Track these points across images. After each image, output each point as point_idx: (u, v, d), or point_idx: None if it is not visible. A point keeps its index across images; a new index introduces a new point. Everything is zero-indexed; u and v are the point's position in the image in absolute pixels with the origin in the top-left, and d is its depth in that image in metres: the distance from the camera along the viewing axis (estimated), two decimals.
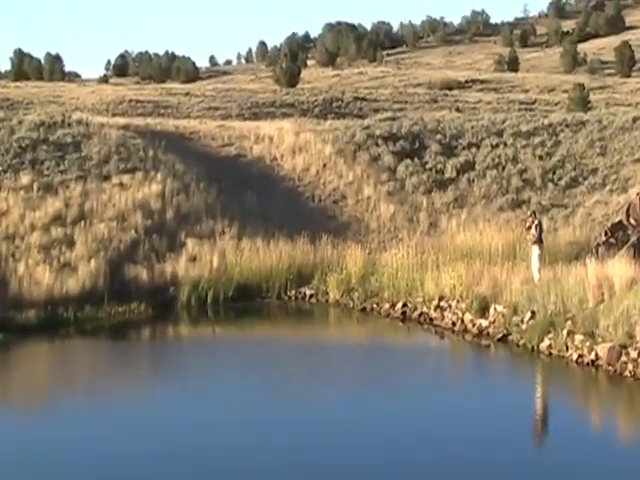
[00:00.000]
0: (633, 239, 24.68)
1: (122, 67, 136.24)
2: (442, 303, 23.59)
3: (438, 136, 37.58)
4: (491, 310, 21.96)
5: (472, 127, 38.50)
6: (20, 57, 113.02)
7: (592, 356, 18.21)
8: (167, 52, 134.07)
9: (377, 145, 36.50)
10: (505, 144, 36.94)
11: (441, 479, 13.14)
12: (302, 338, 24.00)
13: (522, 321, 20.69)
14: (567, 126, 38.36)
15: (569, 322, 19.31)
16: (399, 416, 15.97)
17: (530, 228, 23.29)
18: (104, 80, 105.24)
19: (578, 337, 18.79)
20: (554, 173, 34.68)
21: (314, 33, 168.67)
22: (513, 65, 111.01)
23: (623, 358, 17.65)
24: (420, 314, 23.92)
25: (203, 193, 31.34)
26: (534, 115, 43.63)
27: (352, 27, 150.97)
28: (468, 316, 22.35)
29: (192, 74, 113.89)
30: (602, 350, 18.04)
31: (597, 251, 24.26)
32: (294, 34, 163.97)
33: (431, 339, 22.98)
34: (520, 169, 35.04)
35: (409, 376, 19.15)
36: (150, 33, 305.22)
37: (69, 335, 23.80)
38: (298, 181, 34.88)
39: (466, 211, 32.42)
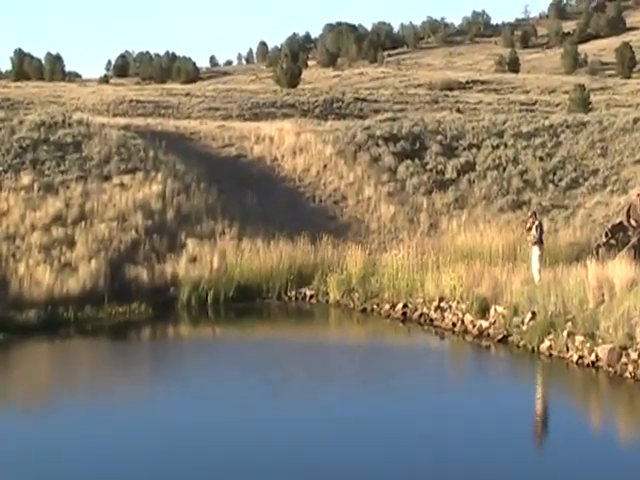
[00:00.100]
0: (633, 240, 24.68)
1: (123, 67, 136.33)
2: (442, 304, 23.59)
3: (439, 137, 37.58)
4: (491, 311, 21.95)
5: (473, 128, 38.51)
6: (21, 57, 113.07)
7: (592, 357, 18.21)
8: (168, 52, 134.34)
9: (378, 146, 36.51)
10: (506, 145, 36.94)
11: (441, 479, 13.16)
12: (302, 338, 24.01)
13: (522, 322, 20.68)
14: (568, 127, 38.37)
15: (569, 323, 19.32)
16: (399, 417, 15.97)
17: (530, 229, 23.29)
18: (105, 80, 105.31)
19: (578, 338, 18.79)
20: (555, 174, 34.69)
21: (315, 34, 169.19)
22: (514, 66, 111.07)
23: (623, 359, 17.65)
24: (420, 315, 23.92)
25: (203, 193, 31.35)
26: (535, 116, 43.64)
27: (353, 28, 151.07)
28: (468, 317, 22.35)
29: (193, 74, 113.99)
30: (602, 351, 18.04)
31: (597, 252, 24.27)
32: (295, 34, 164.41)
33: (431, 340, 22.98)
34: (521, 170, 35.05)
35: (409, 377, 19.15)
36: (151, 33, 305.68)
37: (69, 335, 23.80)
38: (299, 182, 34.88)
39: (466, 212, 32.43)
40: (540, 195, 33.37)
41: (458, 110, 59.68)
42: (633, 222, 25.31)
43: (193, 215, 29.97)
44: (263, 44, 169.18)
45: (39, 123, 34.96)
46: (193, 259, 27.57)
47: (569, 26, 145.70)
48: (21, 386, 19.66)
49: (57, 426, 16.02)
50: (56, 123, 35.35)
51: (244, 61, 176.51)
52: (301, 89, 73.05)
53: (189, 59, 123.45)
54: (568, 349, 18.92)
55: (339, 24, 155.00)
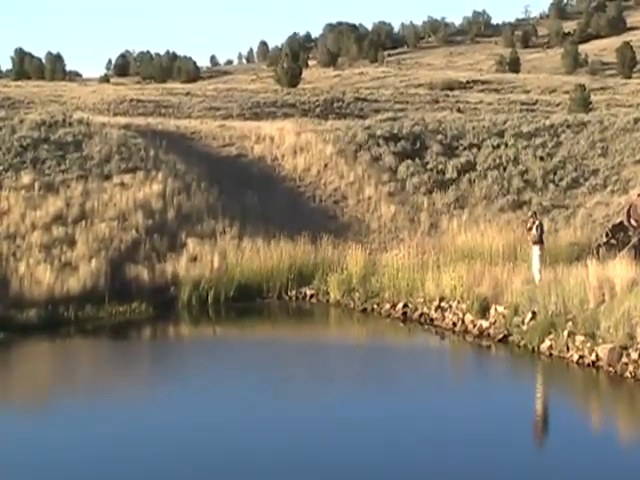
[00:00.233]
0: (634, 240, 24.66)
1: (123, 67, 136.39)
2: (443, 304, 23.59)
3: (439, 136, 37.58)
4: (492, 311, 21.95)
5: (473, 128, 38.50)
6: (21, 56, 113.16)
7: (593, 357, 18.20)
8: (168, 52, 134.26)
9: (378, 145, 36.51)
10: (506, 145, 36.94)
11: (442, 479, 13.16)
12: (303, 338, 24.01)
13: (523, 322, 20.68)
14: (568, 127, 38.37)
15: (570, 323, 19.31)
16: (399, 416, 15.97)
17: (531, 229, 23.29)
18: (105, 80, 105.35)
19: (579, 338, 18.79)
20: (555, 174, 34.69)
21: (315, 33, 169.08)
22: (514, 66, 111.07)
23: (624, 359, 17.65)
24: (421, 315, 23.92)
25: (204, 193, 31.35)
26: (535, 116, 43.64)
27: (353, 27, 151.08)
28: (469, 317, 22.35)
29: (193, 74, 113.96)
30: (603, 351, 18.04)
31: (598, 252, 24.25)
32: (295, 34, 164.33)
33: (432, 340, 22.98)
34: (521, 170, 35.05)
35: (410, 377, 19.15)
36: (151, 33, 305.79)
37: (70, 334, 23.81)
38: (299, 181, 34.88)
39: (467, 212, 32.43)
40: (540, 195, 33.37)
41: (459, 110, 59.66)
42: (633, 222, 25.28)
43: (194, 215, 29.98)
44: (264, 44, 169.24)
45: (39, 122, 34.96)
46: (194, 259, 27.58)
47: (569, 26, 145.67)
48: (21, 386, 19.66)
49: (57, 426, 16.02)
50: (56, 122, 35.35)
51: (245, 61, 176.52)
52: (302, 89, 73.05)
53: (190, 58, 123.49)
54: (568, 349, 18.92)
55: (339, 24, 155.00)
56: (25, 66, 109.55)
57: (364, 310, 25.56)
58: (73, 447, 14.64)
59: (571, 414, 16.51)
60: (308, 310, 26.82)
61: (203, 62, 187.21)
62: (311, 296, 27.25)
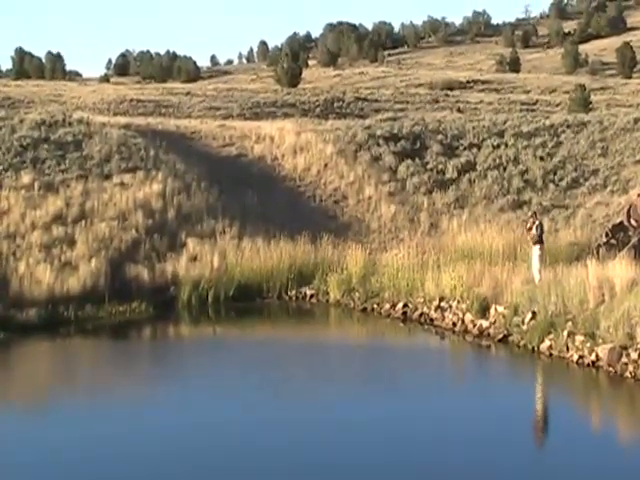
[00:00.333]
0: (634, 240, 24.66)
1: (123, 66, 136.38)
2: (443, 304, 23.59)
3: (439, 136, 37.59)
4: (492, 311, 21.95)
5: (473, 128, 38.52)
6: (21, 56, 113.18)
7: (593, 357, 18.20)
8: (168, 51, 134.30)
9: (378, 145, 36.52)
10: (506, 145, 36.95)
11: (442, 479, 13.14)
12: (303, 338, 24.01)
13: (523, 322, 20.68)
14: (568, 127, 38.38)
15: (570, 323, 19.32)
16: (399, 416, 15.96)
17: (531, 229, 23.29)
18: (105, 79, 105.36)
19: (579, 338, 18.79)
20: (555, 174, 34.70)
21: (315, 33, 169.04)
22: (514, 66, 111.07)
23: (623, 359, 17.65)
24: (421, 314, 23.92)
25: (204, 193, 31.36)
26: (535, 116, 43.66)
27: (353, 27, 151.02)
28: (469, 317, 22.35)
29: (193, 74, 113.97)
30: (602, 351, 18.04)
31: (598, 252, 24.25)
32: (295, 34, 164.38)
33: (431, 339, 22.98)
34: (521, 170, 35.06)
35: (410, 376, 19.15)
36: (151, 32, 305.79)
37: (70, 334, 23.81)
38: (299, 181, 34.89)
39: (467, 212, 32.44)
40: (540, 195, 33.38)
41: (459, 110, 59.67)
42: (633, 222, 25.28)
43: (193, 214, 29.98)
44: (264, 43, 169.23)
45: (39, 122, 34.97)
46: (193, 258, 27.59)
47: (570, 26, 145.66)
48: (21, 385, 19.66)
49: (57, 426, 16.01)
50: (56, 122, 35.36)
51: (245, 60, 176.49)
52: (302, 88, 73.07)
53: (190, 58, 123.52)
54: (568, 349, 18.91)
55: (340, 24, 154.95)
56: (25, 66, 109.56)
57: (364, 310, 25.56)
58: (73, 447, 14.63)
59: (571, 414, 16.51)
60: (308, 310, 26.82)
61: (203, 62, 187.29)
62: (311, 296, 27.26)
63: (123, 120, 39.21)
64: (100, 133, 34.44)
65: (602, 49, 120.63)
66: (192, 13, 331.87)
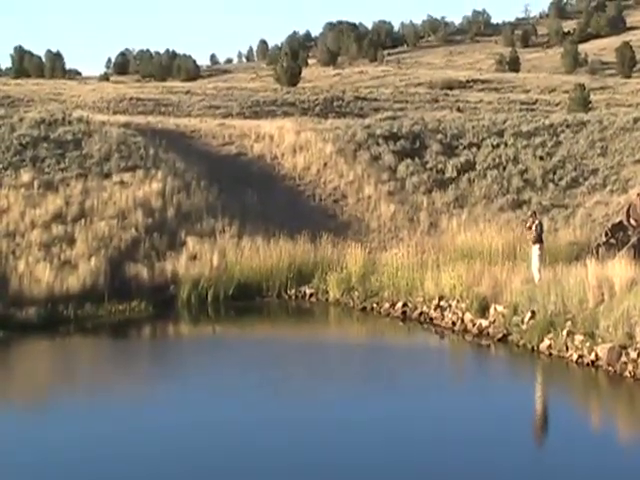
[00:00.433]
0: (633, 240, 24.68)
1: (123, 65, 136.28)
2: (442, 303, 23.59)
3: (439, 136, 37.59)
4: (491, 310, 21.96)
5: (473, 127, 38.52)
6: (21, 54, 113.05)
7: (592, 356, 18.21)
8: (168, 50, 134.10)
9: (378, 144, 36.52)
10: (506, 144, 36.95)
11: (441, 479, 13.15)
12: (302, 337, 24.02)
13: (522, 321, 20.69)
14: (568, 126, 38.38)
15: (569, 322, 19.32)
16: (399, 416, 15.96)
17: (530, 228, 23.30)
18: (105, 78, 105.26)
19: (578, 337, 18.80)
20: (555, 173, 34.71)
21: (315, 32, 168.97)
22: (514, 65, 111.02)
23: (623, 359, 17.66)
24: (420, 314, 23.93)
25: (204, 192, 31.36)
26: (535, 115, 43.66)
27: (353, 26, 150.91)
28: (468, 316, 22.35)
29: (193, 72, 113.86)
30: (602, 350, 18.05)
31: (597, 252, 24.26)
32: (295, 33, 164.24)
33: (431, 339, 22.98)
34: (521, 169, 35.06)
35: (409, 376, 19.15)
36: (151, 31, 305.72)
37: (69, 333, 23.80)
38: (299, 180, 34.89)
39: (466, 211, 32.44)
40: (540, 194, 33.38)
41: (458, 109, 59.66)
42: (633, 222, 25.30)
43: (193, 213, 29.98)
44: (263, 42, 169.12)
45: (39, 120, 34.96)
46: (193, 257, 27.59)
47: (569, 25, 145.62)
48: (21, 384, 19.66)
49: (57, 425, 16.01)
50: (56, 121, 35.35)
51: (244, 59, 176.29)
52: (301, 87, 73.04)
53: (189, 57, 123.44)
54: (568, 348, 18.92)
55: (339, 23, 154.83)
56: (25, 64, 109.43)
57: (363, 309, 25.56)
58: (73, 446, 14.63)
59: (570, 413, 16.52)
60: (307, 309, 26.83)
61: (203, 61, 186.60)
62: (310, 295, 27.26)
63: (123, 119, 39.21)
64: (100, 132, 34.44)
65: (602, 49, 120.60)
66: (192, 12, 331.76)
